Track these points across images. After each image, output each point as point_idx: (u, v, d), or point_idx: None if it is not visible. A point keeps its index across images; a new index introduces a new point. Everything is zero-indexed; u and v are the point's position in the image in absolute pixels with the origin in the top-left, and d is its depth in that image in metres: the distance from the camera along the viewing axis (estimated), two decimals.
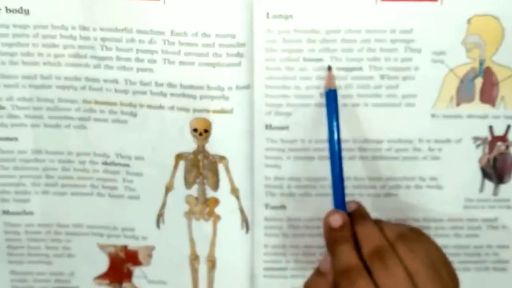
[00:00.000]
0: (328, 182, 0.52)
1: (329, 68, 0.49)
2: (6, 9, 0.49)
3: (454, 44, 0.49)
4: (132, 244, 0.56)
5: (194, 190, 0.54)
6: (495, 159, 0.53)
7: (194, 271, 0.56)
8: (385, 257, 0.44)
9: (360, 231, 0.46)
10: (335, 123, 0.48)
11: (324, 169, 0.52)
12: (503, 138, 0.52)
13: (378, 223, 0.47)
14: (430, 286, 0.43)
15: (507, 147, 0.53)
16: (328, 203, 0.50)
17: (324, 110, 0.50)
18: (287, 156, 0.52)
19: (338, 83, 0.50)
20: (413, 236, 0.46)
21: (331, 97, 0.49)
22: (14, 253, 0.56)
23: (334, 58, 0.49)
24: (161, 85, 0.51)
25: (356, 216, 0.48)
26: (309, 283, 0.48)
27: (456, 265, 0.54)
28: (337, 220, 0.47)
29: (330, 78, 0.49)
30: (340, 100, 0.50)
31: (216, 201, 0.54)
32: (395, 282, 0.43)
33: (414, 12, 0.48)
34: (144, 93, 0.51)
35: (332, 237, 0.47)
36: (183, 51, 0.49)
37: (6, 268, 0.57)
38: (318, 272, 0.48)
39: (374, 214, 0.53)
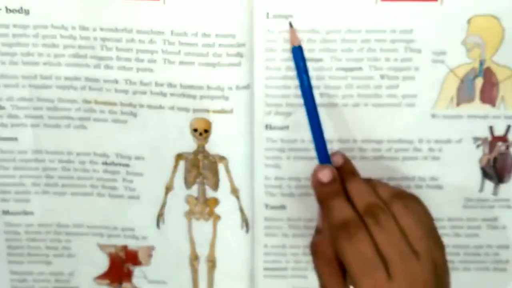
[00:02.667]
0: None
1: (290, 24, 0.48)
2: (6, 9, 0.49)
3: (454, 44, 0.49)
4: (132, 244, 0.56)
5: (194, 190, 0.54)
6: (495, 159, 0.53)
7: (194, 271, 0.56)
8: (378, 213, 0.44)
9: (350, 188, 0.46)
10: (305, 77, 0.48)
11: None
12: (503, 138, 0.52)
13: (369, 181, 0.47)
14: (423, 243, 0.43)
15: (507, 147, 0.53)
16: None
17: (324, 110, 0.50)
18: (287, 156, 0.52)
19: (338, 83, 0.50)
20: (406, 196, 0.46)
21: (297, 55, 0.48)
22: (14, 253, 0.56)
23: (334, 58, 0.49)
24: (161, 85, 0.51)
25: (345, 172, 0.47)
26: (312, 241, 0.48)
27: (456, 265, 0.55)
28: (327, 174, 0.46)
29: (293, 34, 0.48)
30: (340, 100, 0.50)
31: (216, 201, 0.54)
32: (390, 238, 0.43)
33: (414, 12, 0.48)
34: (144, 93, 0.51)
35: (323, 192, 0.46)
36: (183, 51, 0.49)
37: (6, 268, 0.57)
38: (317, 231, 0.48)
39: None
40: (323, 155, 0.48)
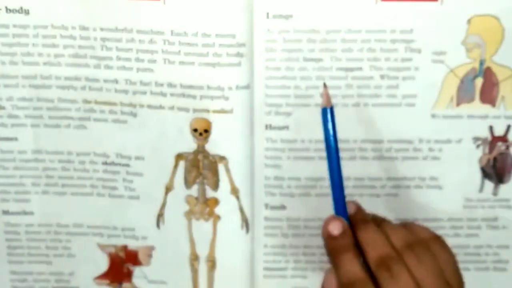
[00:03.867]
0: (328, 182, 0.52)
1: (325, 85, 0.47)
2: (6, 9, 0.49)
3: (454, 44, 0.49)
4: (132, 244, 0.56)
5: (194, 190, 0.54)
6: (495, 159, 0.53)
7: (194, 271, 0.56)
8: (392, 265, 0.43)
9: (363, 237, 0.45)
10: (333, 141, 0.46)
11: (324, 169, 0.52)
12: (503, 138, 0.52)
13: (381, 226, 0.46)
14: None
15: (507, 147, 0.53)
16: (328, 203, 0.50)
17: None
18: (287, 156, 0.52)
19: (338, 83, 0.50)
20: (420, 242, 0.44)
21: (326, 116, 0.47)
22: (14, 253, 0.56)
23: (334, 58, 0.49)
24: (161, 85, 0.51)
25: (357, 220, 0.46)
26: None
27: None
28: (337, 227, 0.45)
29: (327, 95, 0.47)
30: (340, 100, 0.50)
31: (216, 201, 0.54)
32: None
33: (414, 12, 0.48)
34: (144, 93, 0.51)
35: (333, 246, 0.45)
36: (183, 51, 0.49)
37: (6, 268, 0.57)
38: None
39: None
40: (340, 207, 0.46)
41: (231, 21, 0.48)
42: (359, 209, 0.47)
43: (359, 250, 0.45)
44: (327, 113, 0.46)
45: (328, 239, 0.45)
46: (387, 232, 0.45)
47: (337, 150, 0.46)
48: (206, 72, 0.50)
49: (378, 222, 0.47)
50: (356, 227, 0.46)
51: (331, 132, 0.46)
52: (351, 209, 0.47)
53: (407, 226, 0.47)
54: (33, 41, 0.50)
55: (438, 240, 0.45)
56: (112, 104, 0.52)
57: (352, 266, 0.44)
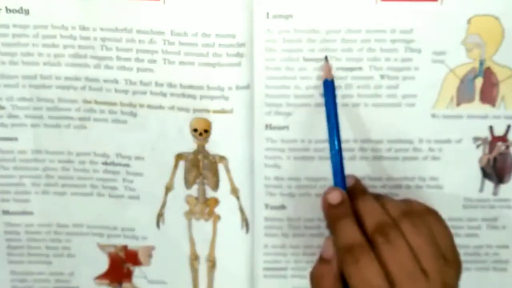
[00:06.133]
0: (328, 182, 0.52)
1: (326, 58, 0.49)
2: (6, 9, 0.49)
3: (454, 44, 0.49)
4: (132, 244, 0.56)
5: (194, 190, 0.54)
6: (495, 159, 0.53)
7: (194, 271, 0.56)
8: (388, 232, 0.44)
9: (360, 207, 0.46)
10: (333, 111, 0.49)
11: (324, 169, 0.52)
12: (503, 138, 0.52)
13: (379, 198, 0.47)
14: (432, 263, 0.43)
15: (507, 147, 0.53)
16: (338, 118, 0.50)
17: (324, 110, 0.50)
18: (287, 156, 0.52)
19: (338, 83, 0.50)
20: (417, 213, 0.45)
21: (328, 88, 0.49)
22: (14, 253, 0.56)
23: (334, 58, 0.49)
24: (161, 85, 0.51)
25: (355, 191, 0.48)
26: (314, 271, 0.48)
27: None
28: (336, 196, 0.47)
29: (327, 68, 0.49)
30: (340, 100, 0.50)
31: (216, 201, 0.54)
32: (399, 257, 0.43)
33: (414, 12, 0.48)
34: (144, 93, 0.51)
35: (332, 214, 0.47)
36: (183, 51, 0.49)
37: (6, 268, 0.57)
38: (321, 260, 0.48)
39: None
40: (339, 179, 0.48)
41: (231, 21, 0.48)
42: (357, 181, 0.49)
43: (358, 221, 0.46)
44: (329, 84, 0.48)
45: (328, 208, 0.47)
46: (384, 203, 0.46)
47: (337, 121, 0.48)
48: (206, 72, 0.50)
49: (376, 195, 0.48)
50: (354, 198, 0.47)
51: (331, 102, 0.49)
52: (349, 182, 0.49)
53: (404, 200, 0.48)
54: (33, 41, 0.50)
55: (435, 214, 0.47)
56: (112, 104, 0.52)
57: (350, 231, 0.45)
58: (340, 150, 0.48)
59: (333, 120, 0.49)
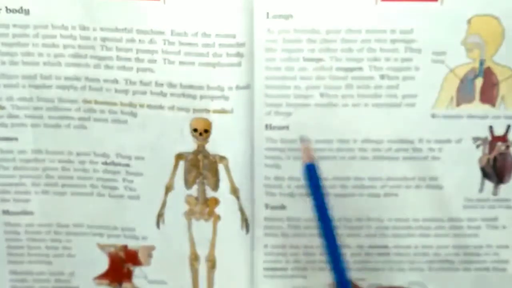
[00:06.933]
0: (328, 182, 0.52)
1: (302, 139, 0.44)
2: (6, 9, 0.49)
3: (454, 44, 0.49)
4: (132, 244, 0.56)
5: (194, 190, 0.54)
6: (495, 159, 0.53)
7: (194, 271, 0.56)
8: None
9: None
10: (320, 198, 0.41)
11: (323, 169, 0.52)
12: (503, 138, 0.52)
13: None
14: None
15: (507, 147, 0.53)
16: (327, 203, 0.50)
17: (324, 110, 0.50)
18: (287, 156, 0.52)
19: (338, 83, 0.50)
20: None
21: (311, 171, 0.42)
22: (14, 253, 0.56)
23: (334, 58, 0.49)
24: (161, 85, 0.51)
25: None
26: None
27: (456, 265, 0.55)
28: None
29: (307, 150, 0.43)
30: (340, 100, 0.50)
31: (216, 201, 0.54)
32: None
33: (414, 12, 0.49)
34: (144, 93, 0.51)
35: None
36: (183, 51, 0.49)
37: (6, 268, 0.57)
38: None
39: (374, 214, 0.54)
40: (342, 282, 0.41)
41: (231, 21, 0.48)
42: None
43: None
44: (311, 169, 0.42)
45: None
46: None
47: (327, 211, 0.41)
48: (206, 72, 0.50)
49: None
50: None
51: (318, 191, 0.41)
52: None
53: None
54: (33, 41, 0.50)
55: None
56: (112, 104, 0.52)
57: None
58: (336, 245, 0.41)
59: (324, 210, 0.41)
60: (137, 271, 0.57)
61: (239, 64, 0.49)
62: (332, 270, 0.41)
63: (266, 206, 0.54)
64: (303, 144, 0.45)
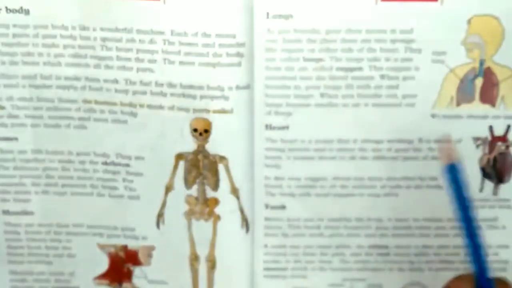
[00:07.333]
0: (328, 182, 0.52)
1: (444, 139, 0.44)
2: (6, 9, 0.49)
3: (454, 44, 0.49)
4: (132, 244, 0.56)
5: (194, 190, 0.54)
6: (495, 159, 0.53)
7: (194, 271, 0.56)
8: None
9: None
10: (463, 199, 0.42)
11: (324, 169, 0.52)
12: (503, 138, 0.52)
13: None
14: None
15: (507, 147, 0.53)
16: (328, 203, 0.50)
17: (324, 110, 0.50)
18: (287, 156, 0.52)
19: (338, 83, 0.50)
20: None
21: (453, 172, 0.42)
22: (14, 253, 0.56)
23: (334, 58, 0.49)
24: (161, 85, 0.51)
25: None
26: None
27: (456, 265, 0.55)
28: None
29: (448, 150, 0.41)
30: (340, 100, 0.50)
31: (216, 201, 0.54)
32: None
33: (414, 12, 0.48)
34: (144, 93, 0.51)
35: None
36: (183, 51, 0.49)
37: (6, 268, 0.57)
38: None
39: (374, 214, 0.54)
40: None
41: (231, 21, 0.48)
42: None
43: None
44: (453, 170, 0.42)
45: None
46: None
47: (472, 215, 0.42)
48: (206, 72, 0.50)
49: None
50: None
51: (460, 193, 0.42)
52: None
53: None
54: (33, 41, 0.50)
55: None
56: (112, 104, 0.52)
57: None
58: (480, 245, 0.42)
59: (468, 212, 0.42)
60: (137, 271, 0.57)
61: (239, 64, 0.49)
62: (475, 271, 0.43)
63: (266, 206, 0.54)
64: (445, 144, 0.45)
